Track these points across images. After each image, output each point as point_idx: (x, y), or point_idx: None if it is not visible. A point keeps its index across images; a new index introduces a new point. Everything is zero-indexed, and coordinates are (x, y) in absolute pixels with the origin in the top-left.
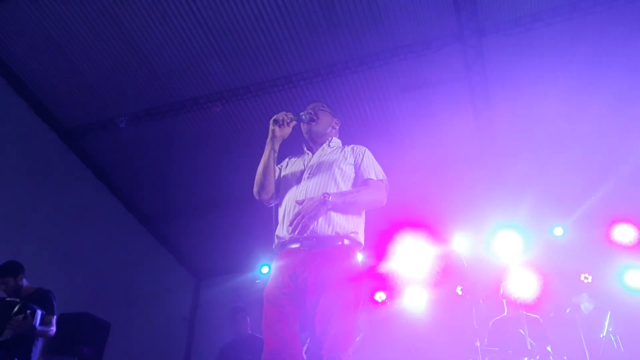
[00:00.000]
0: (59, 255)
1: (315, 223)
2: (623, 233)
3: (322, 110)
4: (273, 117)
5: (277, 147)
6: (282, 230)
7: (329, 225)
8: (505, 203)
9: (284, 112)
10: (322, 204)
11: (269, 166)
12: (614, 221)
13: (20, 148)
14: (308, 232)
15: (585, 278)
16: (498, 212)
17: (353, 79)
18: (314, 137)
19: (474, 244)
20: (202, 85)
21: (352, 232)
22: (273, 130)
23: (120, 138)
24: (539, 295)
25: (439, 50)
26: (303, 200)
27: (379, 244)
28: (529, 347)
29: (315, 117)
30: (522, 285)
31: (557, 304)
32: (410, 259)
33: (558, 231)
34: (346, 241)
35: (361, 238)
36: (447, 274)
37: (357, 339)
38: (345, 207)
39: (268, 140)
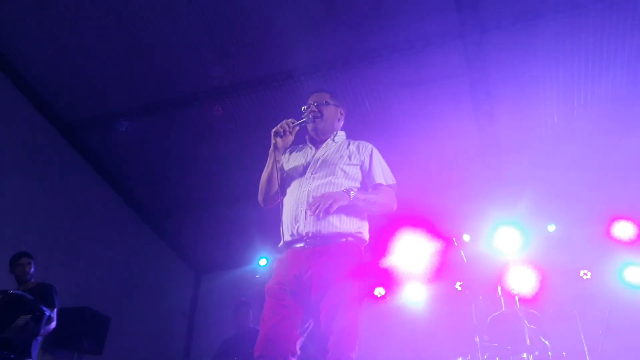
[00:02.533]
0: (58, 250)
1: (320, 223)
2: (622, 229)
3: (327, 104)
4: (273, 129)
5: (280, 158)
6: (286, 231)
7: (332, 225)
8: (506, 199)
9: (285, 121)
10: (346, 193)
11: (273, 177)
12: (614, 218)
13: (20, 143)
14: (316, 229)
15: (585, 274)
16: (498, 209)
17: (353, 74)
18: (319, 134)
19: (474, 240)
20: (202, 80)
21: (356, 232)
22: (275, 143)
23: (120, 133)
24: (539, 291)
25: (439, 47)
26: (314, 202)
27: (378, 239)
28: (528, 343)
29: (319, 115)
30: (522, 281)
31: (557, 300)
32: (410, 254)
33: (551, 228)
34: (350, 238)
35: (366, 236)
36: (446, 270)
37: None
38: (365, 204)
39: (270, 151)
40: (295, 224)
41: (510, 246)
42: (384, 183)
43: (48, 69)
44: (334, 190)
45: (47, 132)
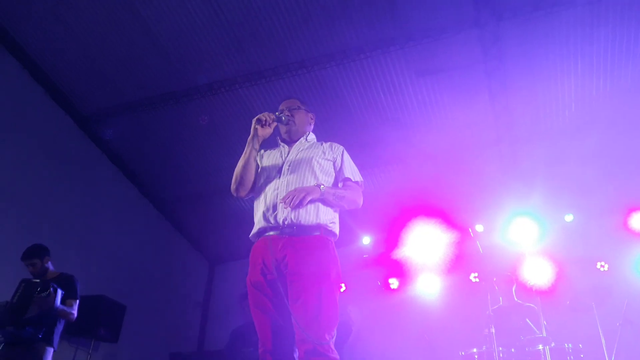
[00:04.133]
0: (76, 240)
1: (297, 212)
2: None
3: (298, 109)
4: (256, 117)
5: (257, 146)
6: (262, 220)
7: (309, 215)
8: (522, 190)
9: (267, 113)
10: (317, 187)
11: (250, 164)
12: (631, 209)
13: (37, 134)
14: (292, 218)
15: (602, 266)
16: (514, 199)
17: (367, 63)
18: (292, 136)
19: (490, 231)
20: (216, 70)
21: (330, 223)
22: (256, 129)
23: (135, 124)
24: (555, 283)
25: (455, 35)
26: (287, 196)
27: (393, 230)
28: (544, 334)
29: (292, 119)
30: (538, 272)
31: (573, 292)
32: (425, 245)
33: (568, 218)
34: (324, 231)
35: (337, 230)
36: (461, 261)
37: (350, 334)
38: (335, 199)
39: (249, 138)
40: (273, 212)
41: (526, 237)
42: (352, 179)
43: (64, 60)
44: (311, 182)
45: (62, 122)
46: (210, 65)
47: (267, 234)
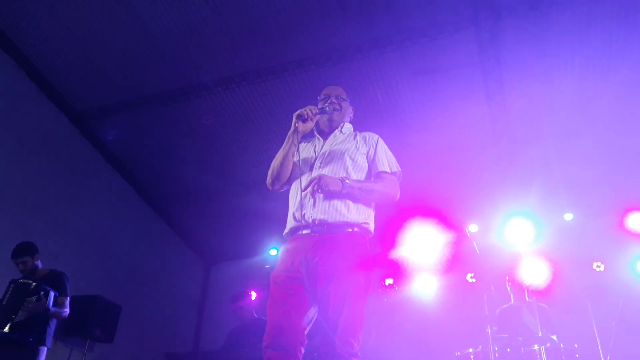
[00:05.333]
0: (70, 239)
1: (325, 210)
2: (636, 221)
3: (345, 100)
4: (297, 112)
5: (297, 142)
6: (292, 219)
7: (340, 213)
8: (518, 190)
9: (309, 107)
10: (339, 179)
11: (288, 159)
12: (627, 209)
13: (32, 132)
14: (321, 216)
15: (598, 266)
16: (510, 199)
17: (365, 63)
18: (332, 127)
19: (486, 231)
20: (213, 69)
21: (363, 222)
22: (297, 126)
23: (131, 122)
24: (551, 283)
25: (453, 35)
26: (308, 185)
27: (389, 230)
28: (540, 334)
29: (338, 107)
30: (534, 273)
31: (569, 292)
32: (421, 246)
33: (568, 217)
34: (356, 229)
35: (372, 227)
36: (458, 261)
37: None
38: (361, 193)
39: (290, 133)
40: (302, 210)
41: (522, 237)
42: (388, 170)
43: (59, 58)
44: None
45: (57, 120)
46: (208, 64)
47: (298, 232)
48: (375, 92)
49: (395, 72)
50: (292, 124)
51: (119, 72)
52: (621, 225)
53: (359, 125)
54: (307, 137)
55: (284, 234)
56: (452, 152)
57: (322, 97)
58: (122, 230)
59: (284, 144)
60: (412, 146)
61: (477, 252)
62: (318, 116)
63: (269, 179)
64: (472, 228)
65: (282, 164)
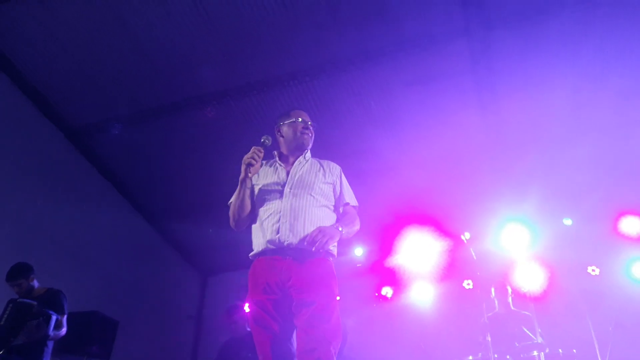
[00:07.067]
0: (66, 255)
1: (302, 238)
2: (630, 225)
3: (312, 127)
4: (246, 161)
5: (250, 185)
6: (264, 242)
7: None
8: (513, 197)
9: (253, 149)
10: (337, 230)
11: (245, 203)
12: (621, 213)
13: (27, 148)
14: (297, 244)
15: (593, 270)
16: (505, 206)
17: (358, 74)
18: (297, 152)
19: (482, 238)
20: (206, 82)
21: (332, 246)
22: (247, 172)
23: (126, 137)
24: (547, 288)
25: (445, 45)
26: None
27: (386, 238)
28: (539, 340)
29: (311, 134)
30: (530, 278)
31: (565, 296)
32: (418, 253)
33: (567, 222)
34: (325, 254)
35: (336, 251)
36: (455, 268)
37: (345, 344)
38: (348, 234)
39: (241, 179)
40: (277, 234)
41: (517, 243)
42: (352, 204)
43: (53, 74)
44: (313, 207)
45: (53, 136)
46: (201, 78)
47: (270, 255)
48: (369, 103)
49: (389, 83)
50: (242, 171)
51: (113, 87)
52: (615, 229)
53: (353, 135)
54: (265, 158)
55: (251, 255)
56: (446, 160)
57: (300, 120)
58: (118, 245)
59: (237, 190)
60: (407, 156)
61: (474, 258)
62: (262, 153)
63: (232, 223)
64: (468, 235)
65: (240, 208)
